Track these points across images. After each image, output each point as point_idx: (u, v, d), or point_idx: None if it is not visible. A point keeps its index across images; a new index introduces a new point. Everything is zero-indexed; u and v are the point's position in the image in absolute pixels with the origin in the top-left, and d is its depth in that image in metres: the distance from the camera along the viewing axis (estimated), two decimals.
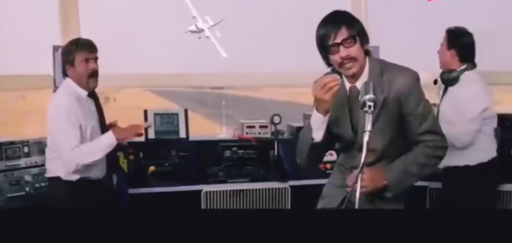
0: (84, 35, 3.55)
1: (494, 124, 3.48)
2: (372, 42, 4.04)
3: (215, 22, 6.50)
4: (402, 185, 2.39)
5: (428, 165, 2.39)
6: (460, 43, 3.39)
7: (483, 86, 3.38)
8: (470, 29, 3.46)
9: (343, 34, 2.26)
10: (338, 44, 2.26)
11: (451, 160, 3.21)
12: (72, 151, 2.98)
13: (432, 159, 2.39)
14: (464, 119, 3.29)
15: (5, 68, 3.96)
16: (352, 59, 2.28)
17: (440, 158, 2.41)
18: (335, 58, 2.29)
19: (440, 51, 3.46)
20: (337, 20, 2.28)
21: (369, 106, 2.09)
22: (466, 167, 3.35)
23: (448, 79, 3.40)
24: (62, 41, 3.86)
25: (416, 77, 2.36)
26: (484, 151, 3.39)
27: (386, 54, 3.72)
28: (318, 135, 2.35)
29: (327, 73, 2.40)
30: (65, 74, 3.13)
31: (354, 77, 2.36)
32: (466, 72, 3.38)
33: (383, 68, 2.35)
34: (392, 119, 2.33)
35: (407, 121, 2.35)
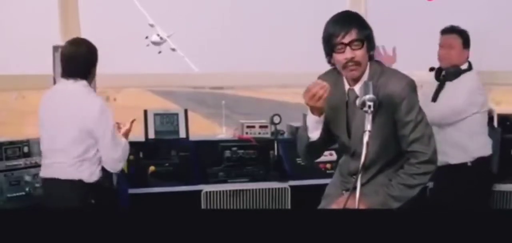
0: (84, 35, 3.55)
1: (485, 122, 3.48)
2: None
3: (168, 34, 5.85)
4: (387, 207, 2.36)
5: (413, 185, 2.34)
6: (469, 43, 3.47)
7: (479, 85, 3.45)
8: (470, 29, 3.48)
9: (352, 35, 2.25)
10: (345, 45, 2.25)
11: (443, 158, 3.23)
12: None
13: (417, 178, 2.34)
14: (453, 102, 3.38)
15: (5, 68, 3.96)
16: (356, 63, 2.28)
17: (426, 174, 2.34)
18: (339, 58, 2.28)
19: (454, 52, 3.46)
20: (349, 20, 2.28)
21: (369, 106, 2.09)
22: (457, 165, 3.37)
23: (455, 73, 3.45)
24: (62, 41, 3.86)
25: (411, 84, 2.32)
26: (475, 148, 3.39)
27: None
28: (314, 134, 2.36)
29: (320, 77, 2.41)
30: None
31: (354, 80, 2.36)
32: (468, 71, 3.44)
33: (381, 73, 2.33)
34: (384, 124, 2.30)
35: (398, 127, 2.33)
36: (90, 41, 3.15)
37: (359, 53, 2.26)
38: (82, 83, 3.04)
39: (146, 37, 5.90)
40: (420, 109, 2.35)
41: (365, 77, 2.33)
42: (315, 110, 2.28)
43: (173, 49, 5.95)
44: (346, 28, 2.25)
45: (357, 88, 2.34)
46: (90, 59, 3.09)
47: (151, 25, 5.50)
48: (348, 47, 2.25)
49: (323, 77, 2.48)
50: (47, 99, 3.15)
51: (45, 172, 3.10)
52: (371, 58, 2.36)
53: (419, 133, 2.32)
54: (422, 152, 2.32)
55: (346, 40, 2.25)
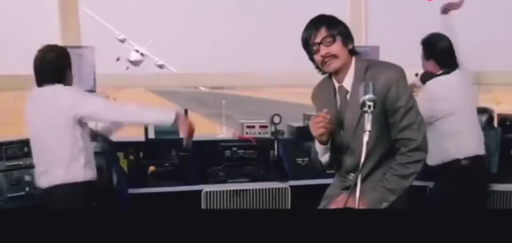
0: (83, 36, 3.56)
1: (470, 121, 3.42)
2: (372, 42, 4.08)
3: (147, 46, 5.31)
4: (385, 203, 2.36)
5: (407, 175, 2.35)
6: (436, 51, 3.38)
7: (446, 88, 3.33)
8: (470, 29, 3.46)
9: (322, 33, 2.37)
10: (319, 44, 2.37)
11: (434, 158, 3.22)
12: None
13: (410, 167, 2.34)
14: None
15: (5, 68, 3.97)
16: (332, 56, 2.37)
17: (418, 162, 2.35)
18: (317, 57, 2.40)
19: (423, 64, 3.45)
20: (318, 21, 2.41)
21: (369, 106, 2.10)
22: (446, 164, 3.34)
23: (424, 80, 3.43)
24: (62, 41, 3.86)
25: (400, 72, 2.35)
26: (463, 147, 3.36)
27: (386, 54, 3.74)
28: (325, 158, 2.52)
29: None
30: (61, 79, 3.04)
31: (339, 75, 2.42)
32: (443, 77, 3.35)
33: (368, 67, 2.38)
34: (377, 117, 2.29)
35: (388, 116, 2.35)
36: (60, 46, 3.10)
37: (333, 47, 2.37)
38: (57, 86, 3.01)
39: (118, 59, 5.13)
40: (410, 96, 2.38)
41: (351, 73, 2.41)
42: (319, 141, 2.43)
43: (161, 66, 5.51)
44: (316, 29, 2.38)
45: (345, 84, 2.42)
46: (61, 63, 3.05)
47: (122, 41, 4.69)
48: (321, 45, 2.38)
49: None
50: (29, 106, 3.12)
51: (42, 181, 3.08)
52: (354, 54, 2.43)
53: (409, 120, 2.34)
54: (411, 139, 2.34)
55: (318, 39, 2.37)
